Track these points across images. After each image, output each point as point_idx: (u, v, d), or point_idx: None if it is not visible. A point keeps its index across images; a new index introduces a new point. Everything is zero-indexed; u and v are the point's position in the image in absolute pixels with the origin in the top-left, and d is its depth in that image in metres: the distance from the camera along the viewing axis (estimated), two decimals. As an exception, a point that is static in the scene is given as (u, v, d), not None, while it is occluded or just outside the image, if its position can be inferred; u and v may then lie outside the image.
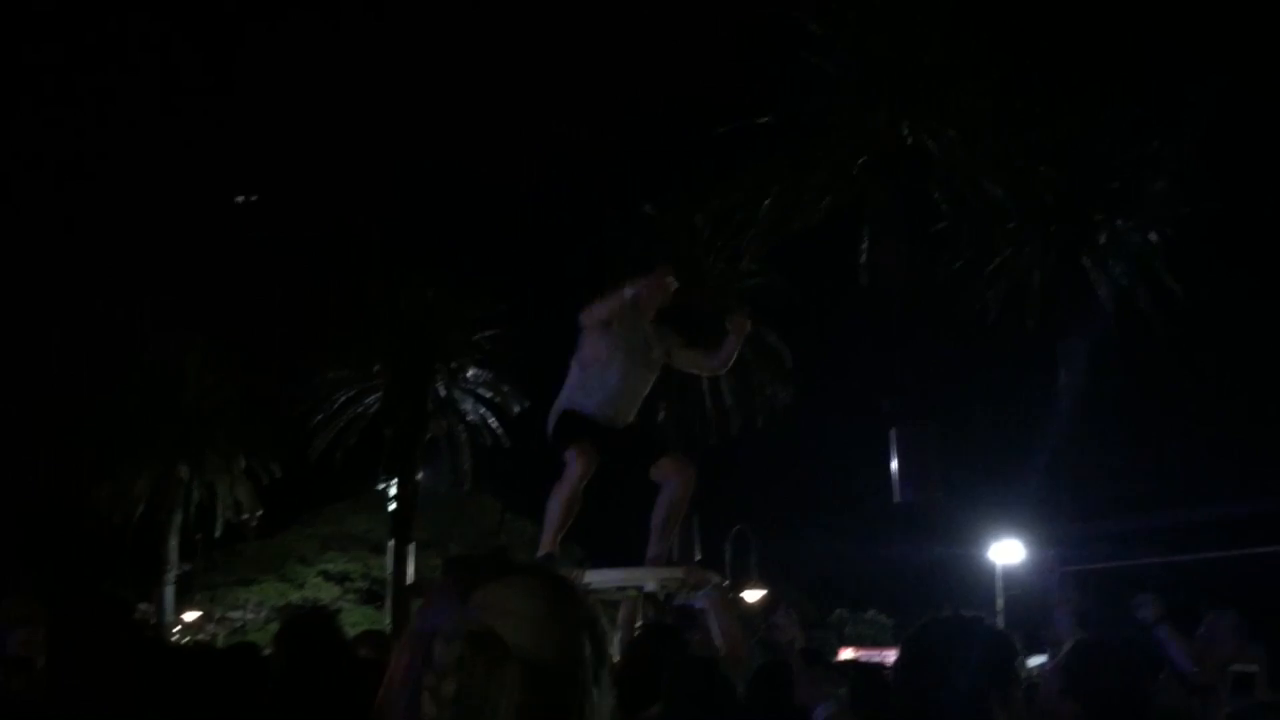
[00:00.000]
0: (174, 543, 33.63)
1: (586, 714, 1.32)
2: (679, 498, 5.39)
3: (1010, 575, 28.30)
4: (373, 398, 32.17)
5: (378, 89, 59.66)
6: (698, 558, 27.58)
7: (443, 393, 32.34)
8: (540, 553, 5.30)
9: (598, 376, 5.46)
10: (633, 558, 5.70)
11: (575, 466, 5.19)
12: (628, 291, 5.42)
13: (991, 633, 2.70)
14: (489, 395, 32.73)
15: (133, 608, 4.31)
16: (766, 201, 23.85)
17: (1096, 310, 25.27)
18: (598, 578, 5.31)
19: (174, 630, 33.43)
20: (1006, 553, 27.94)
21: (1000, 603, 28.08)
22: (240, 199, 39.56)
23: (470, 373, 32.63)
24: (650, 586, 5.08)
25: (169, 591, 33.37)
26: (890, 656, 28.57)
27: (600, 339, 5.52)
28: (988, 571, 28.38)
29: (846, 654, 33.42)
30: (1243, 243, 25.51)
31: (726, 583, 5.54)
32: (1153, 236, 25.64)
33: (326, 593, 37.04)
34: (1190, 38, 24.45)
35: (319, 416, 31.67)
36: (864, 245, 23.45)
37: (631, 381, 5.46)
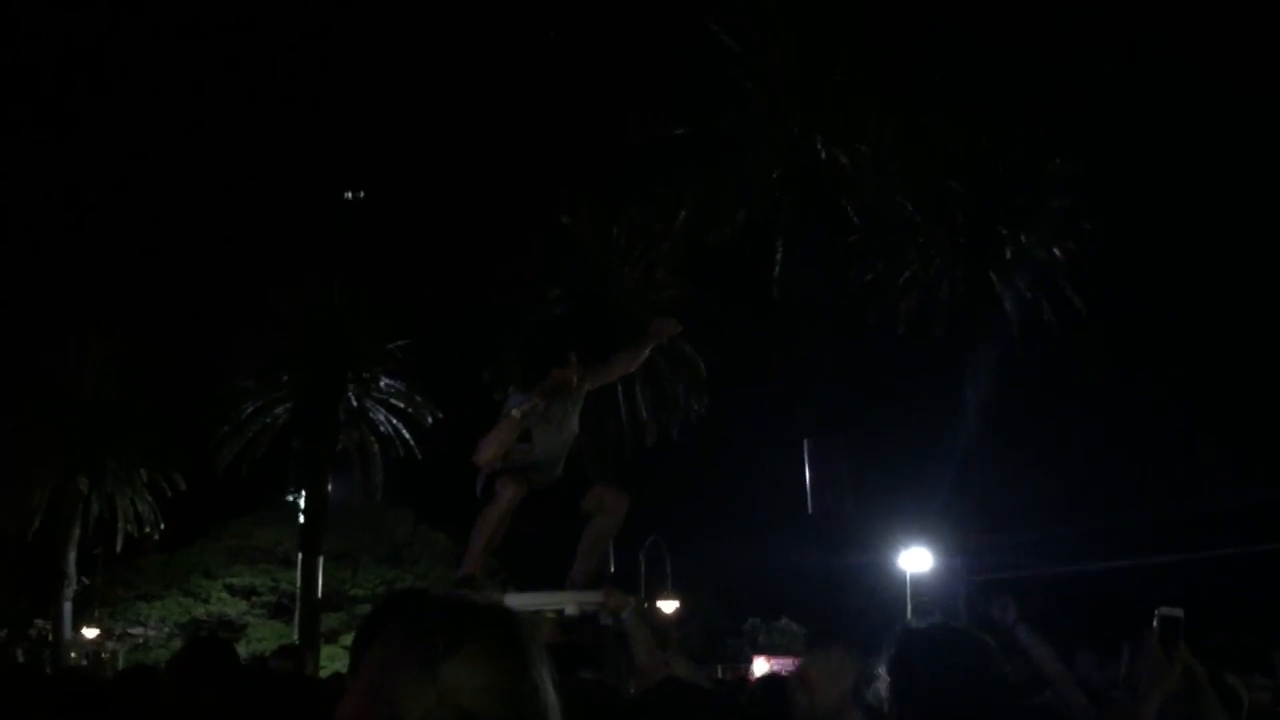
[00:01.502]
0: (72, 556, 32.63)
1: None
2: (610, 528, 5.36)
3: (919, 582, 28.77)
4: (282, 408, 31.58)
5: (288, 89, 58.80)
6: (612, 569, 27.59)
7: (354, 403, 31.87)
8: (462, 573, 5.24)
9: (524, 450, 5.39)
10: (555, 578, 5.67)
11: (505, 492, 5.14)
12: (521, 408, 5.24)
13: (975, 639, 2.73)
14: (402, 406, 32.34)
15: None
16: (682, 213, 23.99)
17: (1002, 323, 25.90)
18: (517, 601, 5.26)
19: (72, 649, 32.41)
20: (915, 561, 28.40)
21: (909, 610, 28.51)
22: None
23: (382, 383, 32.20)
24: (570, 609, 5.05)
25: (67, 608, 32.34)
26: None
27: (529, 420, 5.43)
28: (898, 579, 28.80)
29: (759, 662, 33.69)
30: (1141, 258, 26.34)
31: (644, 601, 5.52)
32: (1056, 251, 26.39)
33: (232, 607, 36.23)
34: (1089, 61, 25.21)
35: (225, 428, 30.98)
36: (778, 257, 23.69)
37: (554, 448, 5.43)
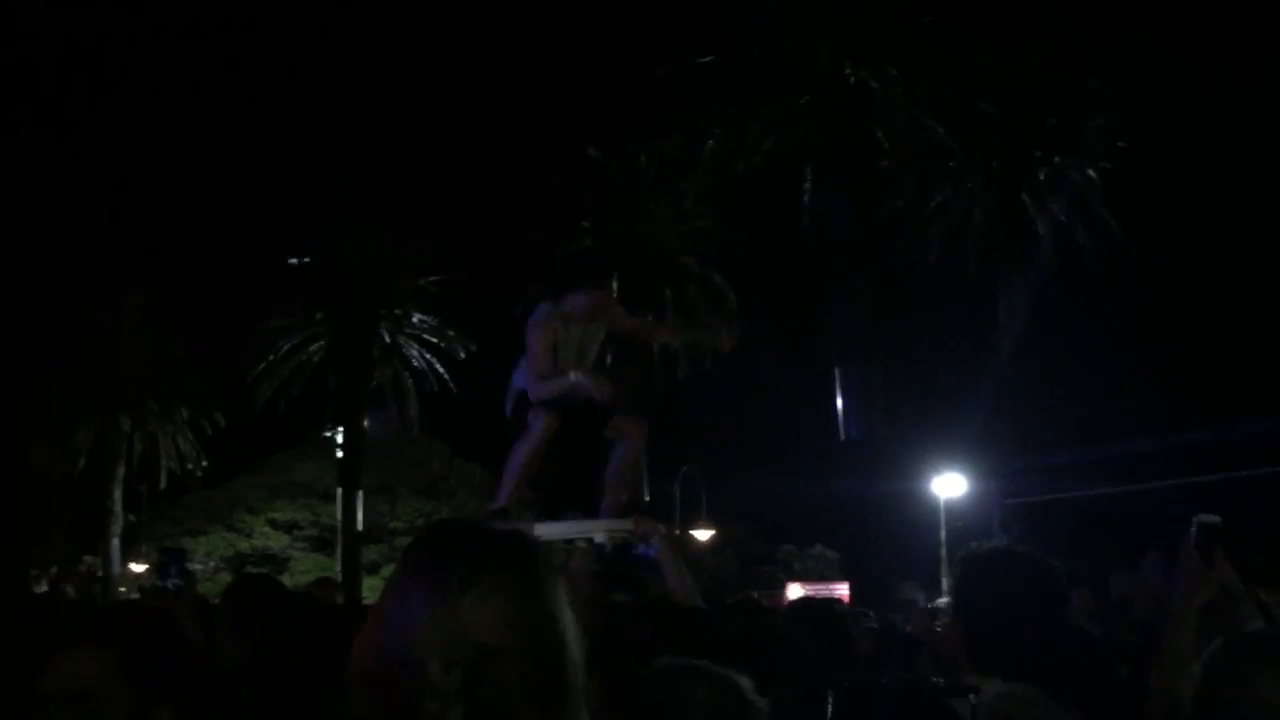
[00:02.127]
0: (118, 495, 33.31)
1: (582, 685, 1.35)
2: (633, 455, 5.44)
3: (953, 508, 28.84)
4: (316, 345, 31.89)
5: (312, 36, 58.42)
6: (647, 499, 27.82)
7: (388, 339, 32.11)
8: (496, 505, 5.35)
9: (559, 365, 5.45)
10: (587, 505, 5.76)
11: (538, 425, 5.21)
12: (558, 314, 5.31)
13: (1042, 563, 2.80)
14: (435, 341, 32.56)
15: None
16: (710, 143, 23.79)
17: (1036, 247, 25.62)
18: (546, 530, 5.35)
19: (121, 584, 33.22)
20: (949, 486, 28.44)
21: (943, 535, 28.67)
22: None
23: (415, 318, 32.40)
24: (599, 538, 5.14)
25: (115, 544, 33.08)
26: (838, 589, 28.95)
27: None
28: (931, 505, 28.90)
29: (794, 588, 34.01)
30: (1179, 180, 25.92)
31: (676, 529, 5.61)
32: (1091, 173, 25.98)
33: (275, 541, 36.93)
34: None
35: (262, 366, 31.35)
36: (807, 185, 23.50)
37: (579, 364, 5.47)
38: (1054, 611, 2.77)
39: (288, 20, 58.86)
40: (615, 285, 5.61)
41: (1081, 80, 25.43)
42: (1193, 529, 3.03)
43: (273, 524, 37.12)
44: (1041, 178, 25.98)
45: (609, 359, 5.85)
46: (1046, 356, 25.84)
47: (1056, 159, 25.83)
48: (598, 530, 5.24)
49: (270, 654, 3.45)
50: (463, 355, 32.16)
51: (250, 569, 36.12)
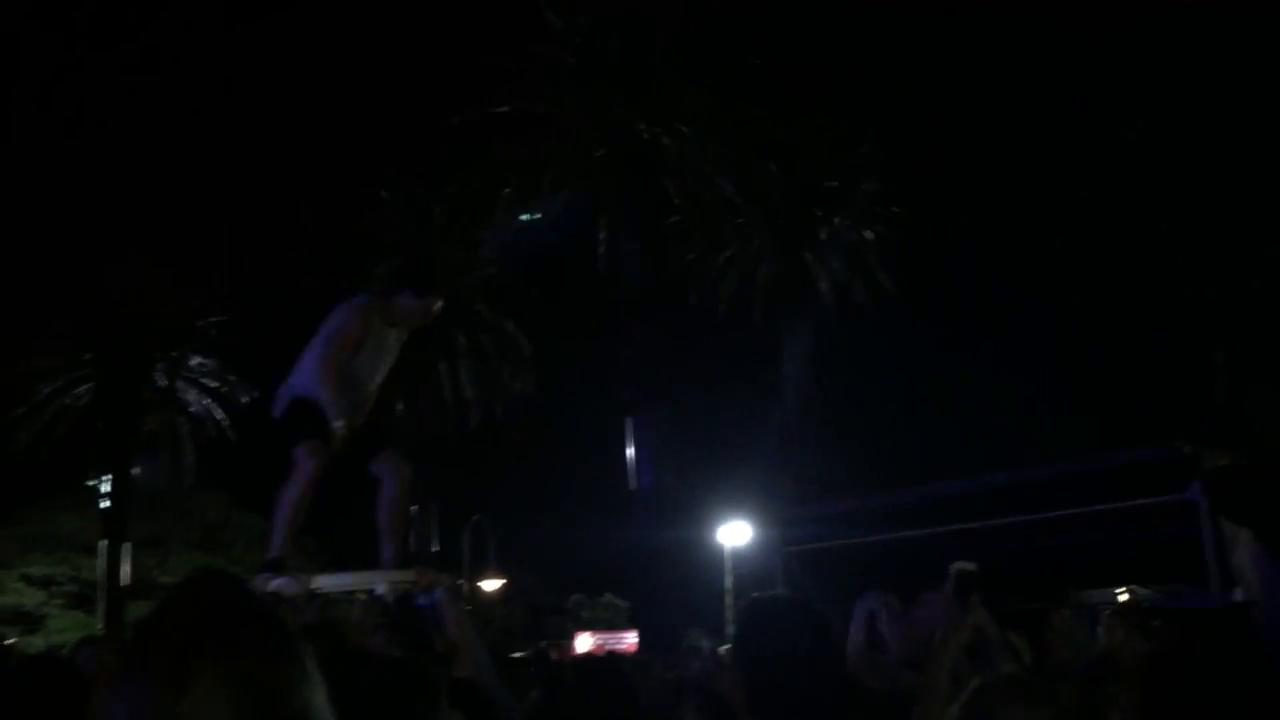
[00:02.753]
0: None
1: None
2: (401, 494, 5.34)
3: (738, 555, 29.49)
4: (84, 388, 30.06)
5: (78, 59, 55.59)
6: (435, 549, 27.36)
7: (162, 382, 30.57)
8: (270, 555, 5.14)
9: (339, 369, 5.28)
10: (368, 555, 5.62)
11: (307, 465, 5.04)
12: (383, 307, 5.27)
13: (816, 611, 2.89)
14: (214, 385, 31.21)
15: None
16: (505, 191, 23.87)
17: (818, 302, 26.78)
18: (328, 582, 5.19)
19: None
20: (734, 534, 29.10)
21: (729, 581, 29.27)
22: None
23: (194, 361, 30.99)
24: (381, 589, 5.02)
25: None
26: (627, 637, 29.02)
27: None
28: (717, 552, 29.48)
29: (584, 638, 33.99)
30: (947, 240, 27.55)
31: (460, 581, 5.54)
32: (867, 234, 27.45)
33: (29, 598, 34.35)
34: (893, 51, 26.16)
35: (21, 408, 29.30)
36: (601, 236, 23.84)
37: (371, 374, 5.35)
38: (829, 659, 2.87)
39: (37, 50, 55.77)
40: (440, 306, 5.53)
41: (856, 146, 26.92)
42: (951, 576, 3.20)
43: (27, 579, 34.52)
44: (823, 237, 27.24)
45: (400, 401, 5.71)
46: (828, 408, 26.93)
47: (836, 219, 27.16)
48: (379, 581, 5.10)
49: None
50: (244, 401, 30.94)
51: (1, 628, 33.50)
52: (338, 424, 5.02)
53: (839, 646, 2.97)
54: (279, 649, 1.19)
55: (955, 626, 3.04)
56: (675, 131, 22.99)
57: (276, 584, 4.96)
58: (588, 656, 7.57)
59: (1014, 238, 25.15)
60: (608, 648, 30.10)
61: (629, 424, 23.52)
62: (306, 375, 5.21)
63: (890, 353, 27.52)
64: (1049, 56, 24.98)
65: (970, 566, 3.25)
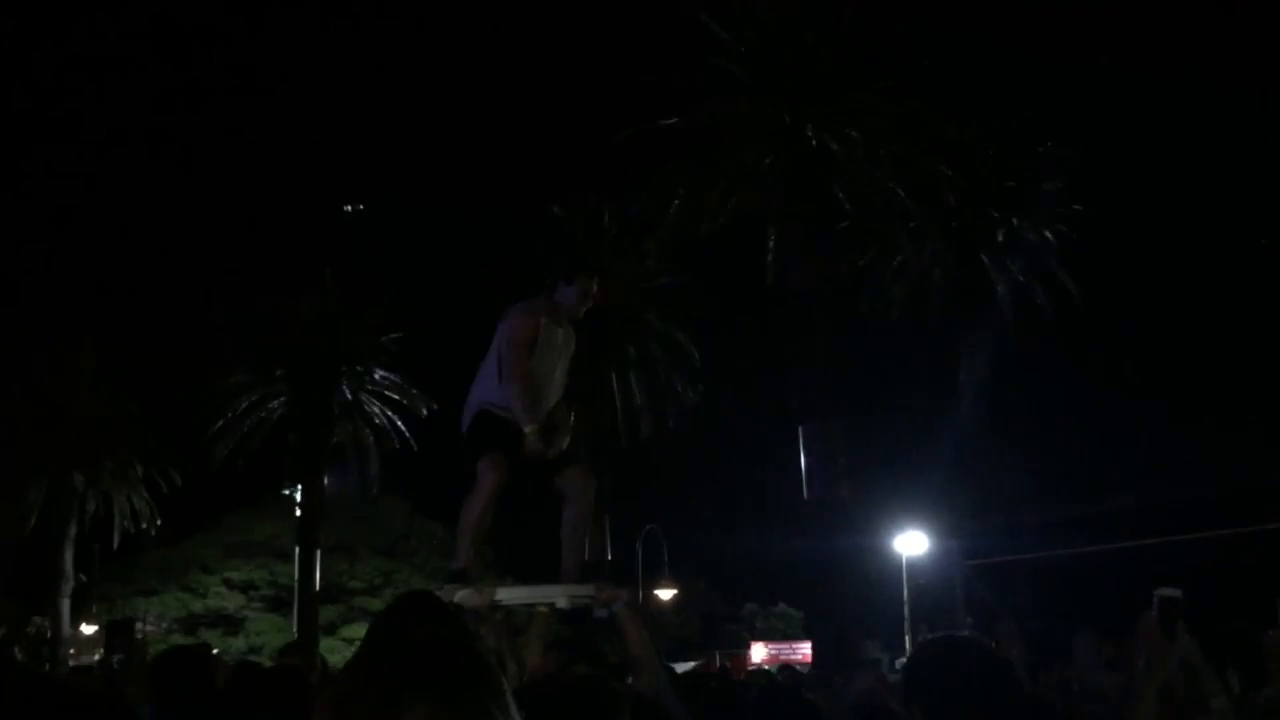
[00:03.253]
0: (69, 554, 32.64)
1: None
2: (584, 512, 5.39)
3: (915, 565, 28.92)
4: (276, 403, 31.58)
5: (268, 89, 58.61)
6: (610, 558, 27.64)
7: (349, 396, 31.86)
8: (455, 566, 5.26)
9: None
10: (550, 566, 5.70)
11: (487, 479, 5.14)
12: (547, 307, 5.38)
13: (987, 654, 2.76)
14: (396, 398, 32.35)
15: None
16: (675, 203, 23.96)
17: (996, 307, 25.94)
18: (508, 595, 5.28)
19: (70, 645, 32.45)
20: (911, 544, 28.55)
21: (906, 592, 28.68)
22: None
23: (377, 375, 32.20)
24: (561, 603, 5.07)
25: (65, 605, 32.35)
26: (801, 649, 28.78)
27: None
28: (894, 562, 28.94)
29: (758, 648, 33.82)
30: (1134, 240, 26.41)
31: (638, 591, 5.55)
32: (1048, 234, 26.42)
33: (231, 601, 36.28)
34: (1080, 44, 25.18)
35: (220, 423, 30.96)
36: (770, 245, 23.68)
37: (547, 377, 5.41)
38: (1011, 706, 2.71)
39: (244, 74, 58.98)
40: (594, 283, 5.56)
41: (1035, 145, 25.98)
42: (1154, 604, 3.02)
43: (228, 584, 36.49)
44: (1000, 239, 26.39)
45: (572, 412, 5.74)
46: (1006, 415, 26.11)
47: (1014, 221, 26.26)
48: (559, 595, 5.16)
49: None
50: (424, 413, 31.95)
51: (204, 630, 35.47)
52: (529, 430, 5.10)
53: (1020, 690, 2.78)
54: (481, 681, 1.26)
55: (1160, 659, 2.85)
56: (844, 136, 22.67)
57: (460, 595, 5.08)
58: (769, 683, 7.45)
59: (1209, 237, 23.91)
60: (782, 659, 29.89)
61: (801, 432, 23.25)
62: (489, 387, 5.32)
63: (1074, 359, 26.50)
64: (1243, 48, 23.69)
65: (1175, 593, 3.06)
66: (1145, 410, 25.76)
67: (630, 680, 4.35)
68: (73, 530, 32.51)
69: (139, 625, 35.66)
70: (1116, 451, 24.17)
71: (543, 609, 5.15)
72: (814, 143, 22.64)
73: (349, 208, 49.35)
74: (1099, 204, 25.53)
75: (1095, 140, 24.26)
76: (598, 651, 4.33)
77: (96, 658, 31.99)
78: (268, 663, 6.58)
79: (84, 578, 34.06)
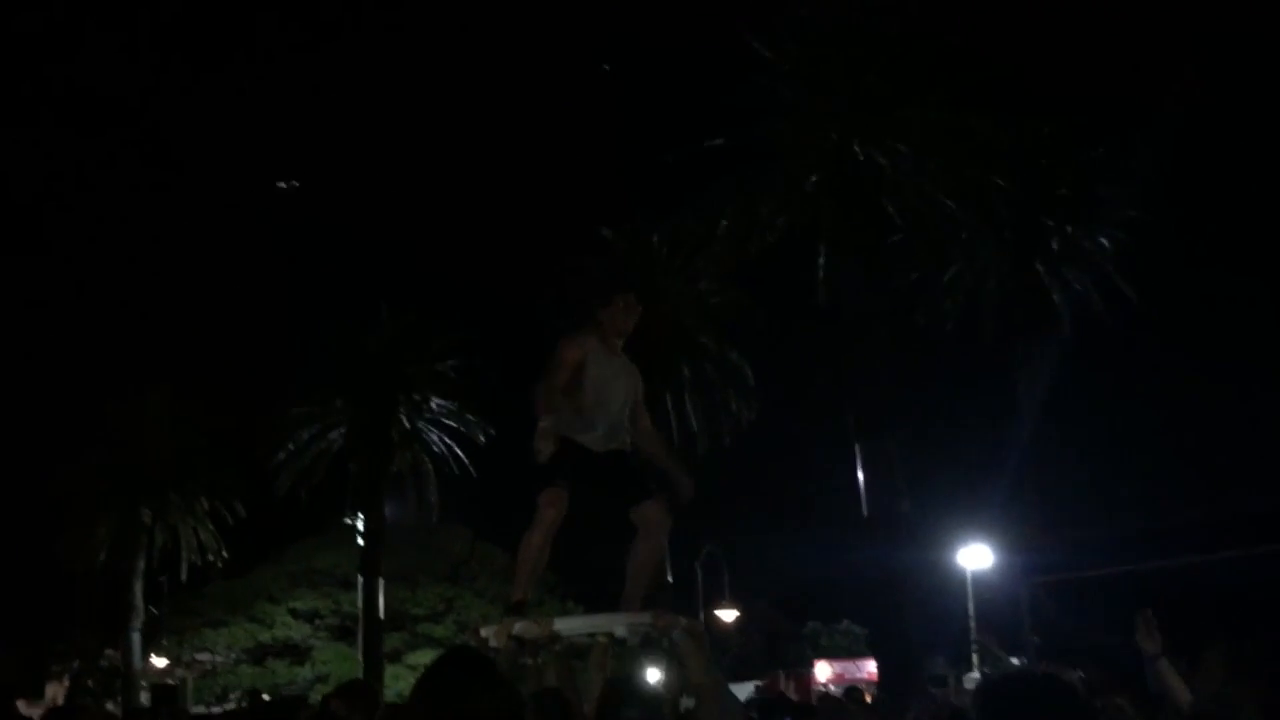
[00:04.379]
0: (139, 587, 33.22)
1: None
2: (654, 548, 5.42)
3: (980, 580, 28.52)
4: (336, 433, 31.95)
5: (324, 117, 59.51)
6: (669, 579, 27.59)
7: (407, 425, 32.16)
8: (514, 598, 5.31)
9: (577, 402, 5.45)
10: (609, 594, 5.72)
11: (546, 514, 5.20)
12: (597, 335, 5.45)
13: (1063, 686, 2.69)
14: (454, 425, 32.59)
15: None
16: (723, 223, 23.97)
17: (1053, 316, 25.60)
18: (566, 625, 5.32)
19: (142, 678, 32.95)
20: (975, 558, 28.17)
21: (971, 607, 28.29)
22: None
23: (434, 403, 32.48)
24: (620, 632, 5.09)
25: (136, 638, 32.90)
26: (866, 666, 28.48)
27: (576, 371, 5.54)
28: (958, 577, 28.58)
29: (822, 666, 33.53)
30: (1196, 245, 25.96)
31: (699, 615, 5.53)
32: (1104, 241, 26.04)
33: (297, 631, 36.66)
34: (1134, 44, 24.90)
35: (282, 454, 31.38)
36: (821, 262, 23.60)
37: (607, 399, 5.46)
38: None
39: (302, 103, 59.91)
40: (632, 299, 5.65)
41: (1090, 149, 25.63)
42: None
43: (294, 613, 36.87)
44: (1054, 247, 26.06)
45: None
46: (1068, 425, 25.72)
47: (1068, 228, 25.92)
48: (619, 624, 5.18)
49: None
50: (482, 439, 32.15)
51: (271, 660, 35.87)
52: (542, 439, 5.20)
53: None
54: None
55: None
56: (892, 150, 22.57)
57: (519, 627, 5.12)
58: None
59: (1268, 241, 23.44)
60: (847, 677, 29.61)
61: (859, 449, 23.09)
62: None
63: (1135, 368, 26.04)
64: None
65: None
66: (1215, 420, 25.26)
67: (693, 708, 4.35)
68: (141, 564, 33.08)
69: (209, 655, 36.22)
70: (1183, 463, 23.67)
71: (602, 638, 5.16)
72: (861, 158, 22.56)
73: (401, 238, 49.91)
74: (1159, 208, 25.12)
75: (1154, 143, 23.83)
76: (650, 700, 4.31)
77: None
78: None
79: (154, 610, 34.61)
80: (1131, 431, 26.40)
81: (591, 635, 5.28)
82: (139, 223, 51.41)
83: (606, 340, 5.50)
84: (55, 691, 33.70)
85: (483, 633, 5.34)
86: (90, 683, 33.89)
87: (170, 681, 34.02)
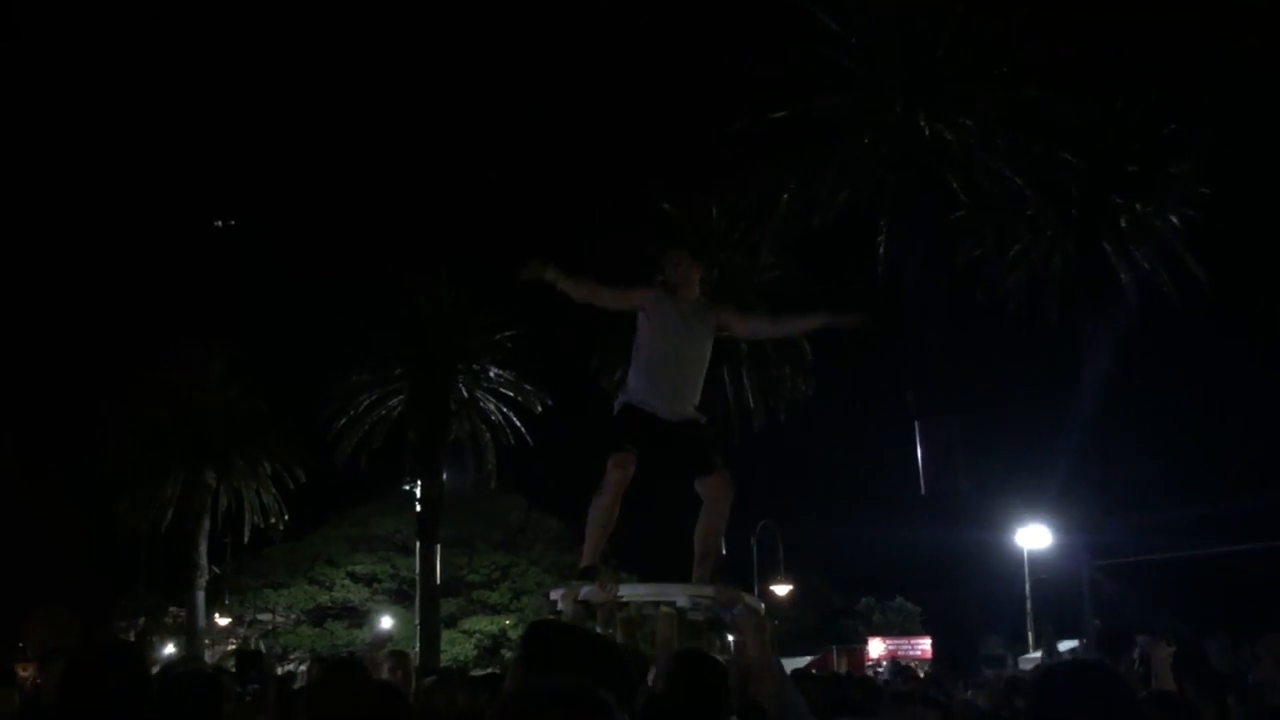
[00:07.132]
0: (203, 548, 33.93)
1: None
2: (717, 520, 5.45)
3: (1037, 560, 28.28)
4: (396, 400, 32.32)
5: (388, 91, 59.88)
6: (724, 552, 27.64)
7: (465, 394, 32.44)
8: (582, 565, 5.38)
9: (645, 361, 5.53)
10: (674, 564, 5.77)
11: (611, 477, 5.25)
12: (662, 289, 5.55)
13: (1114, 678, 2.70)
14: (511, 394, 32.83)
15: (143, 650, 4.34)
16: (784, 197, 23.83)
17: (1119, 296, 25.15)
18: (631, 591, 5.37)
19: (205, 635, 33.73)
20: (1033, 537, 27.94)
21: (1028, 587, 28.09)
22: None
23: (492, 373, 32.72)
24: (682, 602, 5.14)
25: (200, 596, 33.64)
26: (920, 644, 28.34)
27: (642, 325, 5.60)
28: (1015, 557, 28.36)
29: (875, 643, 33.47)
30: (1267, 222, 25.34)
31: (761, 606, 5.54)
32: (1174, 219, 25.48)
33: (355, 594, 37.29)
34: (1204, 20, 24.29)
35: (343, 421, 31.83)
36: (882, 237, 23.41)
37: (672, 362, 5.50)
38: None
39: (363, 78, 60.35)
40: (680, 255, 5.76)
41: (1161, 126, 25.07)
42: None
43: (353, 576, 37.50)
44: (1123, 225, 25.57)
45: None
46: (1132, 407, 25.31)
47: (1137, 206, 25.41)
48: (680, 594, 5.23)
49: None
50: (539, 409, 32.35)
51: (331, 621, 36.54)
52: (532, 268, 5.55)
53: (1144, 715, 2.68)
54: None
55: None
56: (957, 125, 22.27)
57: (585, 592, 5.19)
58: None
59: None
60: (900, 654, 29.52)
61: (918, 428, 22.95)
62: (630, 375, 5.54)
63: (1202, 349, 25.54)
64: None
65: None
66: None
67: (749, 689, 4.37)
68: (206, 524, 33.77)
69: (270, 615, 36.97)
70: (1248, 448, 23.22)
71: (665, 608, 5.21)
72: (927, 132, 22.30)
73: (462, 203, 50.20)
74: (1229, 186, 24.52)
75: (1225, 119, 23.24)
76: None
77: (231, 645, 33.27)
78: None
79: (217, 570, 35.34)
80: (1196, 415, 25.94)
81: (654, 604, 5.34)
82: (204, 183, 52.23)
83: (676, 293, 5.57)
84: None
85: (552, 595, 5.42)
86: (155, 640, 34.72)
87: (233, 641, 34.81)
